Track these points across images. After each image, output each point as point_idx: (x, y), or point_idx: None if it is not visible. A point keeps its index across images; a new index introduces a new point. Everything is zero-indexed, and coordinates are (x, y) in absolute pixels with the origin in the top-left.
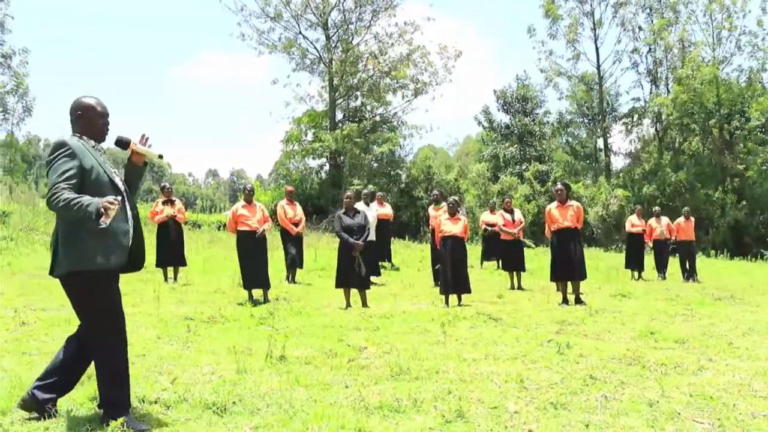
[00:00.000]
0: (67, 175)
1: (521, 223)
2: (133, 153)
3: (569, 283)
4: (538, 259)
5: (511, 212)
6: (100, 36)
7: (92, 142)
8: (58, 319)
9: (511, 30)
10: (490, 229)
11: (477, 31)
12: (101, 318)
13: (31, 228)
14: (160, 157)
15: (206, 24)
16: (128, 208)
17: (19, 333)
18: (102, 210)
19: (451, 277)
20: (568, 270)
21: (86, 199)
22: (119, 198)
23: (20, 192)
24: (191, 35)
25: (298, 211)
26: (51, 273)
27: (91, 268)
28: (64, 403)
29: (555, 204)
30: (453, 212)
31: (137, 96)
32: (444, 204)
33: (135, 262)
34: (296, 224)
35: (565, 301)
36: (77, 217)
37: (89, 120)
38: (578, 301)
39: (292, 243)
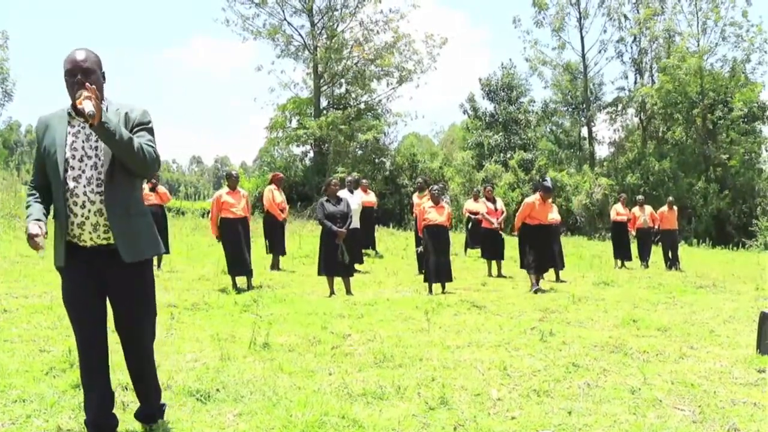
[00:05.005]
0: (34, 169)
1: (503, 212)
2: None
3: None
4: None
5: (493, 201)
6: (85, 17)
7: (69, 108)
8: (40, 307)
9: (503, 19)
10: (474, 217)
11: (469, 19)
12: None
13: (12, 215)
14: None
15: (194, 8)
16: (80, 192)
17: (0, 320)
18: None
19: (434, 265)
20: (550, 261)
21: (31, 214)
22: (37, 232)
23: (1, 178)
24: (179, 19)
25: (284, 198)
26: None
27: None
28: (46, 389)
29: (538, 200)
30: (437, 200)
31: (120, 79)
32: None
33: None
34: (282, 210)
35: (537, 283)
36: None
37: (65, 81)
38: (558, 279)
39: (277, 229)
